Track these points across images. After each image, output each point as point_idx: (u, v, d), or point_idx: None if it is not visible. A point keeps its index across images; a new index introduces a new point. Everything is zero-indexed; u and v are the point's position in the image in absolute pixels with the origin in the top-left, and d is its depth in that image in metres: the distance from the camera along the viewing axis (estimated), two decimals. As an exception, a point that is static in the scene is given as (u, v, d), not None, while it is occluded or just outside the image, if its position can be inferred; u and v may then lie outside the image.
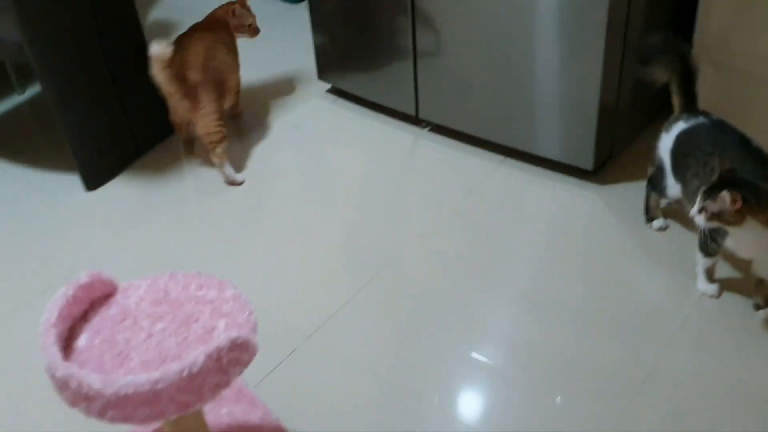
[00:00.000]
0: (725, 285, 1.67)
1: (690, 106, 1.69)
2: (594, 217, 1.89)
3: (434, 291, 1.72)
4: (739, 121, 1.98)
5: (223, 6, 2.25)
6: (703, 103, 2.05)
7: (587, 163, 1.95)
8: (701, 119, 1.65)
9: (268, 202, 2.05)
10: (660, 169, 1.71)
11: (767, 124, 1.97)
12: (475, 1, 1.90)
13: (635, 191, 1.95)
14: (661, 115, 2.18)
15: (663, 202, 1.80)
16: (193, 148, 2.24)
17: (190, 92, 2.02)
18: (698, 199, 1.45)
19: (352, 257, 1.84)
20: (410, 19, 2.06)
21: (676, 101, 1.72)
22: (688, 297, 1.65)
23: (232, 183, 2.10)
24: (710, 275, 1.65)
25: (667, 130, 1.70)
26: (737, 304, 1.63)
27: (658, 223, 1.82)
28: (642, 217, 1.86)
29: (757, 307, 1.60)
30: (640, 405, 1.44)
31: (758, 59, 1.90)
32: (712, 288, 1.64)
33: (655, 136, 2.12)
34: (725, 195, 1.40)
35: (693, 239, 1.77)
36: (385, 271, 1.78)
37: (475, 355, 1.57)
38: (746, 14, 1.87)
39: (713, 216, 1.44)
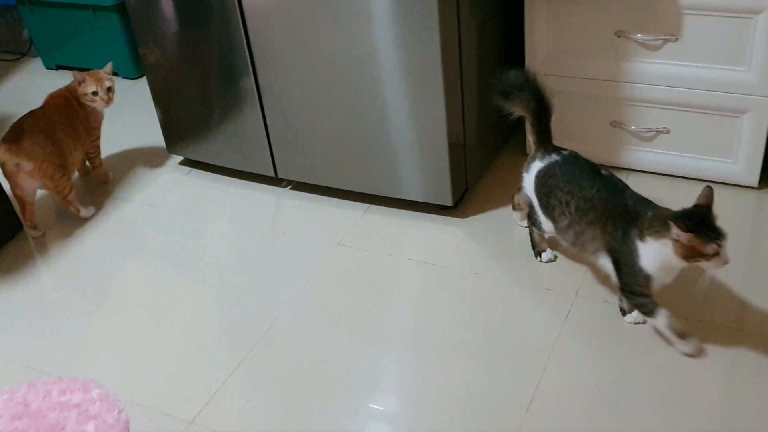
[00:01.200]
0: (590, 295, 1.74)
1: (543, 144, 1.72)
2: (461, 251, 1.93)
3: (319, 351, 1.69)
4: (575, 139, 2.11)
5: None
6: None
7: (446, 199, 2.00)
8: (554, 157, 1.68)
9: (132, 287, 1.97)
10: (531, 207, 1.76)
11: (600, 140, 2.11)
12: (317, 56, 1.93)
13: (494, 220, 2.01)
14: (507, 146, 2.29)
15: (546, 235, 1.81)
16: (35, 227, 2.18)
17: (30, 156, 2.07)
18: (722, 248, 1.37)
19: (227, 330, 1.79)
20: (253, 80, 2.06)
21: (530, 138, 1.76)
22: (558, 314, 1.71)
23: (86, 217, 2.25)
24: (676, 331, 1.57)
25: (527, 170, 1.74)
26: (604, 311, 1.70)
27: (546, 255, 1.84)
28: (504, 243, 1.92)
29: (623, 312, 1.67)
30: (531, 427, 1.46)
31: (584, 81, 2.03)
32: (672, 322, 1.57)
33: (505, 167, 2.22)
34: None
35: (558, 261, 1.85)
36: (264, 340, 1.74)
37: (372, 405, 1.55)
38: (567, 42, 2.00)
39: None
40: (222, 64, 2.09)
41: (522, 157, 2.23)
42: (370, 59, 1.86)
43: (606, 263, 1.59)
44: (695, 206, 1.43)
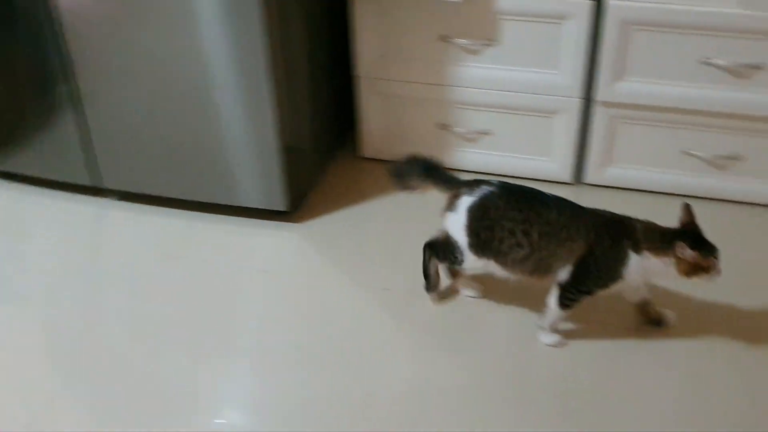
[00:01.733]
0: (426, 294, 1.78)
1: (458, 186, 1.64)
2: (298, 256, 1.92)
3: (154, 368, 1.62)
4: (405, 141, 2.16)
5: None
6: (373, 128, 2.20)
7: (282, 204, 1.98)
8: (486, 188, 1.59)
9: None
10: (449, 244, 1.64)
11: (428, 142, 2.17)
12: (141, 59, 1.84)
13: (332, 223, 2.02)
14: (344, 149, 2.31)
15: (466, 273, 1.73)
16: None
17: None
18: (718, 260, 1.46)
19: (47, 355, 1.66)
20: (71, 83, 1.94)
21: (442, 192, 1.66)
22: (396, 314, 1.73)
23: None
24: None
25: (452, 209, 1.62)
26: (440, 309, 1.75)
27: (435, 292, 1.77)
28: (341, 246, 1.93)
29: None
30: (374, 427, 1.47)
31: (412, 84, 2.08)
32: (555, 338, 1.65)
33: (342, 169, 2.23)
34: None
35: (394, 261, 1.88)
36: (91, 361, 1.63)
37: (215, 420, 1.50)
38: (394, 46, 2.05)
39: None
40: (36, 66, 1.95)
41: (359, 161, 2.26)
42: (196, 62, 1.80)
43: (563, 274, 1.56)
44: (685, 224, 1.51)
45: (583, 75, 1.95)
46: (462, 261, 1.63)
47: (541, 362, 1.60)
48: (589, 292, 1.56)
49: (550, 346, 1.64)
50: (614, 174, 2.09)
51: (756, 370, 1.56)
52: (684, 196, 2.02)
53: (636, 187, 2.08)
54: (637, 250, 1.50)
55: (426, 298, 1.76)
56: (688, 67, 1.87)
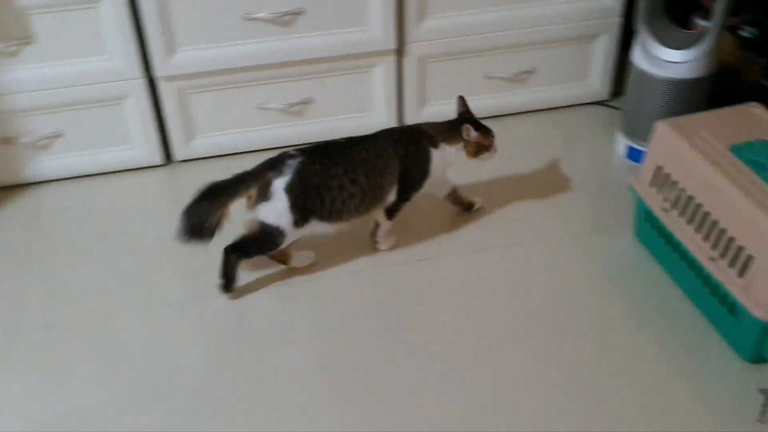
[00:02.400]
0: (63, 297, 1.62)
1: (258, 176, 1.59)
2: None
3: None
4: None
5: None
6: None
7: None
8: (292, 162, 1.59)
9: None
10: (264, 234, 1.61)
11: None
12: None
13: None
14: None
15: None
16: None
17: None
18: (494, 138, 1.71)
19: None
20: None
21: (246, 197, 1.61)
22: (29, 329, 1.56)
23: None
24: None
25: (265, 197, 1.58)
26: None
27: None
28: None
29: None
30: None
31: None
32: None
33: None
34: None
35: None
36: None
37: None
38: None
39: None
40: None
41: None
42: None
43: (392, 195, 1.69)
44: (462, 113, 1.74)
45: (136, 55, 1.89)
46: (282, 241, 1.63)
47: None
48: (408, 199, 1.73)
49: (385, 250, 1.78)
50: (201, 145, 2.07)
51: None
52: (269, 149, 2.07)
53: (226, 152, 2.09)
54: (435, 144, 1.70)
55: (66, 304, 1.62)
56: (235, 25, 1.90)
